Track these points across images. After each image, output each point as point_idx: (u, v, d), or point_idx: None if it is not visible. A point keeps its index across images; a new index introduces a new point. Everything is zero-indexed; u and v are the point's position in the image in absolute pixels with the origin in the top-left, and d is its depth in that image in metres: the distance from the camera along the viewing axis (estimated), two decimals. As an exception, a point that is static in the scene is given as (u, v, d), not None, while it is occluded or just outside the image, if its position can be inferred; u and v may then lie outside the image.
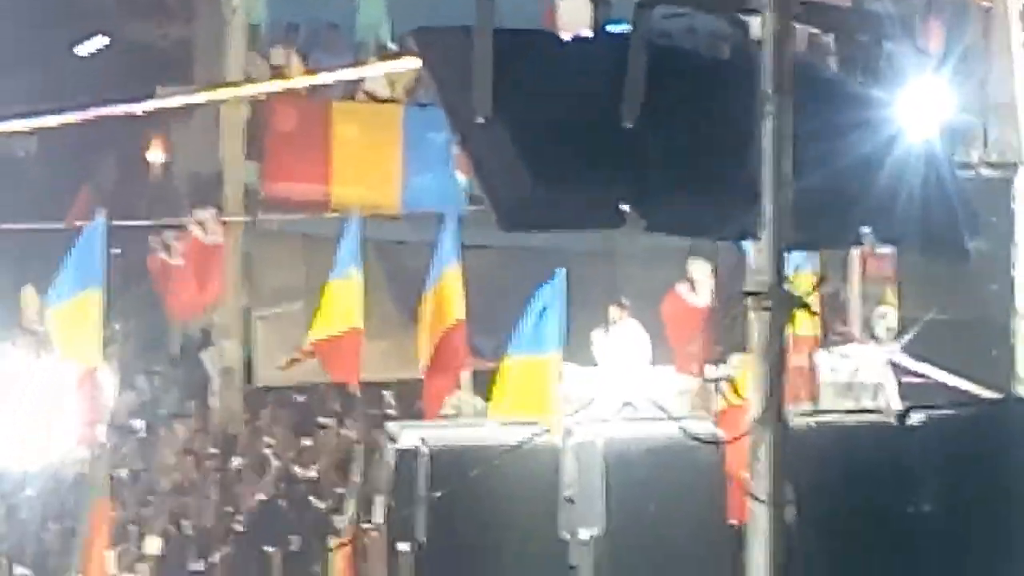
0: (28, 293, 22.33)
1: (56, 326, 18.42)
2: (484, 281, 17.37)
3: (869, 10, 8.90)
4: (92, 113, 21.05)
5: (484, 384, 16.26)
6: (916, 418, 12.83)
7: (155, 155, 28.66)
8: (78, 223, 18.82)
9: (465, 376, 16.63)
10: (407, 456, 12.55)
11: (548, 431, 12.69)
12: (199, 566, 19.24)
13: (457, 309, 16.03)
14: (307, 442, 21.47)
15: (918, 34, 13.61)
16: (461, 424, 15.23)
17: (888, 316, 17.30)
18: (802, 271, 11.39)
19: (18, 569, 19.06)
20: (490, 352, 16.73)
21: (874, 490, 12.01)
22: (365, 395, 20.48)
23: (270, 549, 18.95)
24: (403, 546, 12.40)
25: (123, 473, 20.98)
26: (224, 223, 21.28)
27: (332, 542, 17.11)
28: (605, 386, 15.41)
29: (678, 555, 11.79)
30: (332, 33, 24.42)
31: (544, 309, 14.72)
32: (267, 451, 21.86)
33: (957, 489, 12.35)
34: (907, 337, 16.37)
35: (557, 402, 14.14)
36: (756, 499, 5.89)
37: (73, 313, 17.42)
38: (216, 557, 19.41)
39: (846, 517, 11.82)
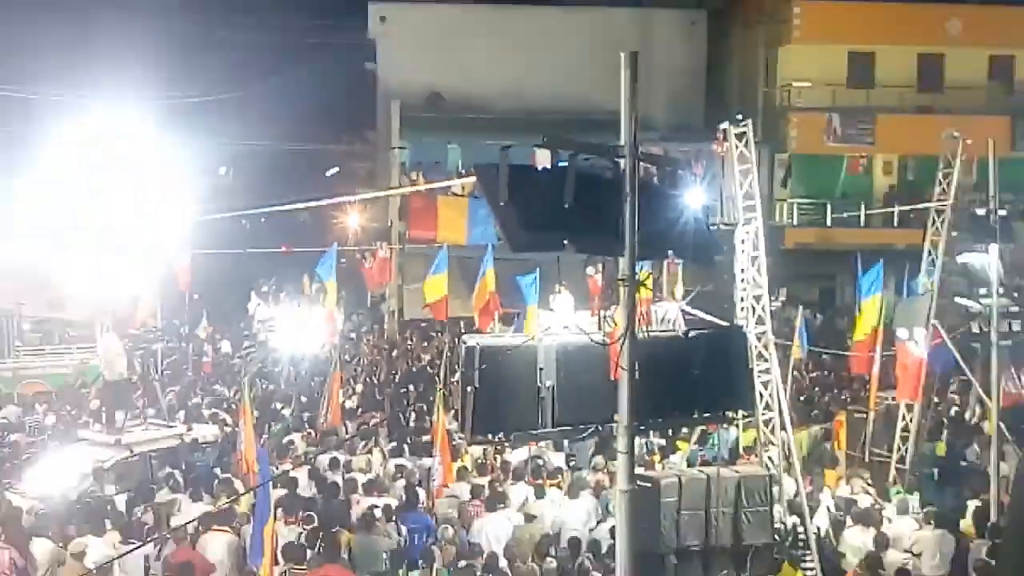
0: (304, 280, 33.76)
1: (321, 293, 27.07)
2: (504, 273, 22.46)
3: (672, 156, 14.01)
4: (334, 201, 32.38)
5: (504, 318, 23.26)
6: (692, 334, 14.85)
7: (355, 219, 37.91)
8: (327, 249, 25.37)
9: (496, 315, 22.94)
10: (470, 349, 13.33)
11: (532, 339, 14.14)
12: (380, 396, 24.68)
13: (492, 286, 22.48)
14: (425, 343, 31.11)
15: (692, 166, 19.57)
16: (495, 335, 18.36)
17: (679, 290, 21.39)
18: (644, 269, 11.22)
19: (285, 410, 22.86)
20: (507, 304, 23.29)
21: (670, 359, 13.32)
22: (451, 324, 28.03)
23: (410, 388, 25.23)
24: (469, 388, 13.11)
25: (345, 357, 27.25)
26: (391, 248, 31.60)
27: (438, 387, 20.08)
28: (556, 320, 18.67)
29: (590, 391, 12.12)
30: (437, 166, 35.69)
31: (529, 285, 20.47)
32: (408, 346, 31.99)
33: (709, 357, 13.90)
34: (687, 299, 19.68)
35: (536, 326, 18.57)
36: (622, 368, 7.85)
37: (333, 288, 25.37)
38: (385, 393, 24.98)
39: (662, 371, 11.76)
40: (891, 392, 19.69)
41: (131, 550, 12.80)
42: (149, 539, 13.23)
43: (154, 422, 19.04)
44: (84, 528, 13.50)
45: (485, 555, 13.63)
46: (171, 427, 18.64)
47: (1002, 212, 17.97)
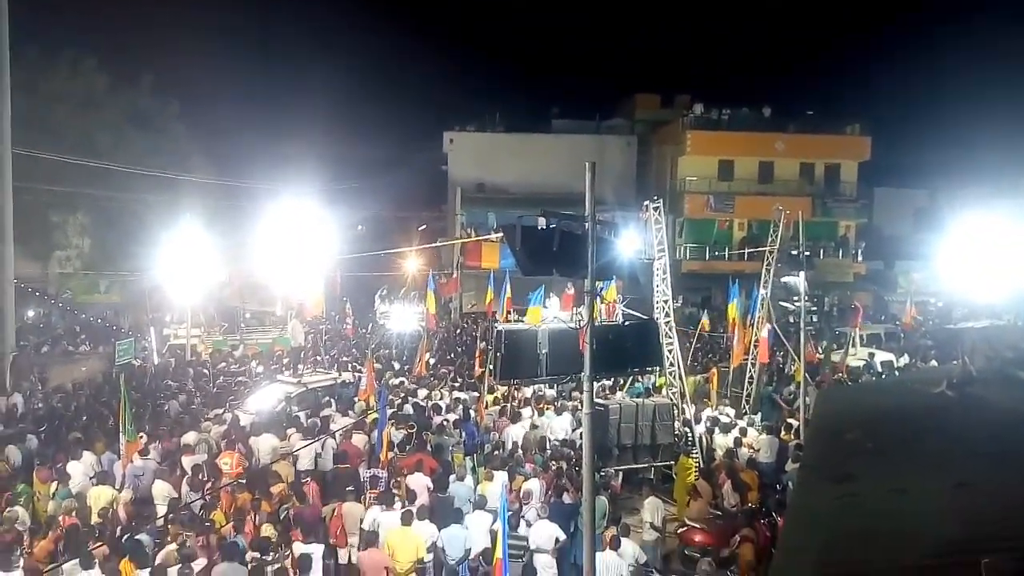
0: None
1: (417, 297, 27.70)
2: (519, 288, 20.47)
3: (615, 221, 11.55)
4: (423, 247, 32.06)
5: (519, 313, 19.95)
6: (626, 323, 15.28)
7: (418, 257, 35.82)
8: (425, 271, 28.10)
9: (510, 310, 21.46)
10: (499, 332, 14.26)
11: (536, 326, 14.86)
12: (448, 356, 24.00)
13: (511, 295, 21.60)
14: (475, 327, 27.46)
15: (628, 226, 16.57)
16: (513, 323, 17.24)
17: (615, 297, 17.36)
18: (608, 285, 16.26)
19: (395, 363, 22.16)
20: (522, 305, 19.60)
21: (614, 337, 13.82)
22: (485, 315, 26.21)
23: (464, 352, 24.00)
24: (498, 354, 13.96)
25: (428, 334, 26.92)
26: (456, 272, 31.92)
27: (478, 353, 20.30)
28: (549, 314, 16.55)
29: (568, 355, 12.18)
30: (482, 225, 34.99)
31: (537, 294, 17.65)
32: (464, 327, 29.51)
33: (636, 336, 14.70)
34: (624, 302, 17.14)
35: (539, 317, 16.50)
36: (586, 342, 7.30)
37: (432, 297, 23.48)
38: (451, 354, 24.04)
39: (609, 344, 12.24)
40: (744, 357, 19.60)
41: (308, 443, 12.94)
42: (316, 438, 13.31)
43: (319, 370, 19.10)
44: (282, 432, 13.63)
45: (508, 448, 13.63)
46: (328, 373, 18.65)
47: (806, 252, 18.09)
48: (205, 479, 11.23)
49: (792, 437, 14.69)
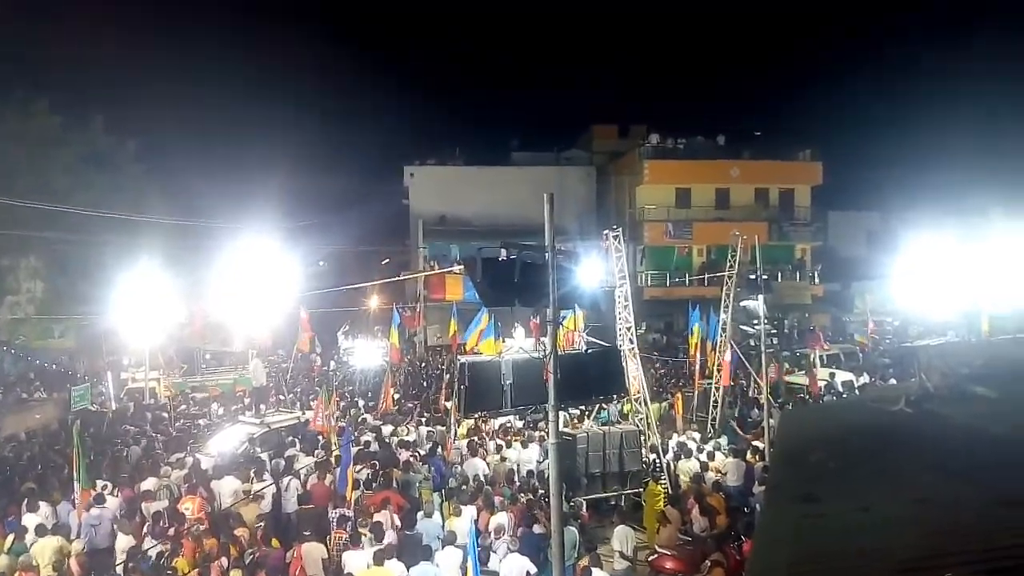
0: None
1: (381, 332, 27.36)
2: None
3: (576, 250, 11.54)
4: (386, 280, 30.83)
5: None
6: (589, 351, 15.35)
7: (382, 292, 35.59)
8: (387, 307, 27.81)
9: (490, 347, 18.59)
10: (462, 364, 14.41)
11: (498, 357, 15.07)
12: (413, 390, 23.74)
13: (484, 328, 18.69)
14: (440, 360, 27.86)
15: (588, 255, 15.12)
16: (476, 356, 16.93)
17: (582, 324, 17.79)
18: (572, 314, 16.42)
19: (359, 400, 21.76)
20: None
21: (577, 366, 13.74)
22: (448, 348, 26.07)
23: (430, 385, 23.71)
24: (462, 386, 14.17)
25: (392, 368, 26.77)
26: (419, 305, 31.58)
27: (443, 388, 19.69)
28: (514, 345, 16.98)
29: (532, 385, 12.22)
30: (444, 258, 34.66)
31: (477, 318, 18.65)
32: (429, 361, 29.11)
33: (600, 364, 14.78)
34: (586, 330, 17.72)
35: (500, 349, 16.92)
36: (550, 371, 7.37)
37: (395, 334, 23.27)
38: (416, 388, 23.95)
39: (573, 373, 11.65)
40: (706, 381, 19.76)
41: (268, 484, 12.78)
42: (283, 476, 13.12)
43: (282, 409, 18.83)
44: (245, 474, 13.32)
45: (475, 482, 13.49)
46: (292, 412, 18.40)
47: (764, 276, 18.40)
48: (167, 526, 10.93)
49: (758, 459, 14.77)
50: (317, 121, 66.08)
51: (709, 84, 69.99)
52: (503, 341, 17.87)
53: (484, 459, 14.68)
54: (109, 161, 27.31)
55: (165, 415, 19.93)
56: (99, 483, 12.27)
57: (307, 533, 10.60)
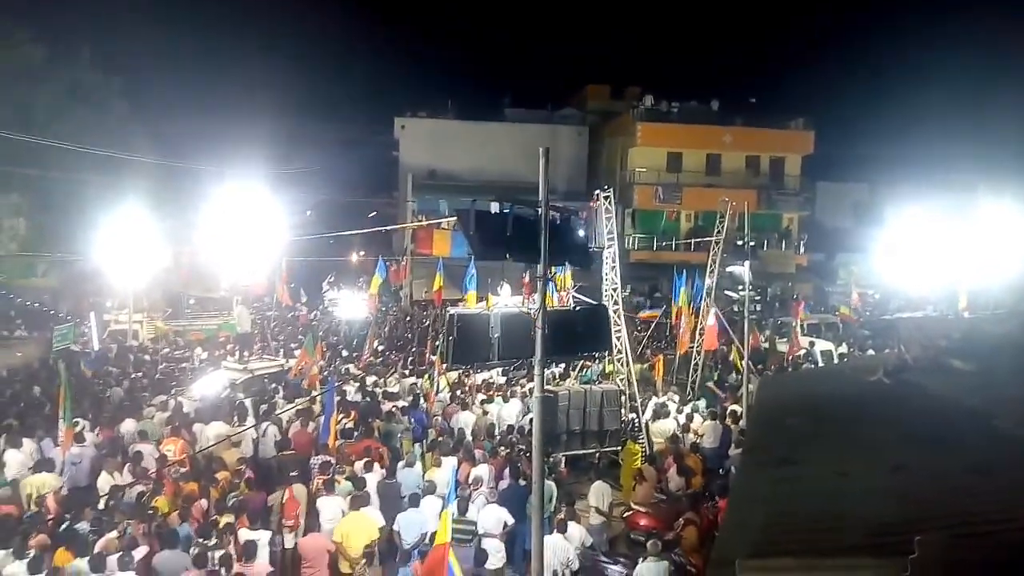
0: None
1: (366, 283, 27.09)
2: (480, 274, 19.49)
3: (568, 208, 10.98)
4: (372, 230, 30.73)
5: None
6: (577, 308, 13.69)
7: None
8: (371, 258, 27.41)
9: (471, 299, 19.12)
10: (452, 315, 13.07)
11: (489, 310, 13.90)
12: (398, 342, 23.70)
13: (471, 284, 19.37)
14: (424, 313, 27.68)
15: (579, 214, 19.01)
16: (466, 309, 16.52)
17: (570, 284, 18.61)
18: (562, 272, 17.04)
19: (344, 350, 22.11)
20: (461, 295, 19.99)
21: (564, 322, 10.62)
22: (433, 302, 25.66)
23: (415, 338, 23.14)
24: (450, 338, 12.76)
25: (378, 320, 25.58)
26: (406, 259, 30.97)
27: (430, 338, 20.08)
28: (500, 300, 17.84)
29: (520, 340, 9.61)
30: (433, 212, 34.12)
31: (468, 275, 18.85)
32: (414, 315, 28.67)
33: (586, 322, 11.49)
34: (576, 288, 18.58)
35: (492, 302, 17.14)
36: (538, 327, 6.84)
37: (377, 281, 23.58)
38: (401, 341, 23.68)
39: (559, 329, 9.05)
40: (688, 344, 19.80)
41: (247, 428, 12.83)
42: (261, 422, 13.15)
43: (266, 356, 18.84)
44: (228, 418, 13.36)
45: (457, 434, 13.52)
46: (275, 360, 18.40)
47: (751, 243, 18.42)
48: (147, 466, 10.91)
49: (735, 423, 14.88)
50: (309, 66, 64.80)
51: (705, 50, 69.22)
52: (488, 296, 17.86)
53: (467, 412, 14.72)
54: (94, 97, 26.75)
55: (147, 357, 19.85)
56: (80, 423, 12.24)
57: (294, 474, 10.66)
